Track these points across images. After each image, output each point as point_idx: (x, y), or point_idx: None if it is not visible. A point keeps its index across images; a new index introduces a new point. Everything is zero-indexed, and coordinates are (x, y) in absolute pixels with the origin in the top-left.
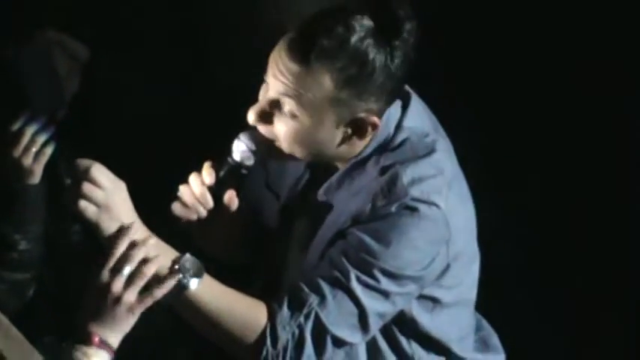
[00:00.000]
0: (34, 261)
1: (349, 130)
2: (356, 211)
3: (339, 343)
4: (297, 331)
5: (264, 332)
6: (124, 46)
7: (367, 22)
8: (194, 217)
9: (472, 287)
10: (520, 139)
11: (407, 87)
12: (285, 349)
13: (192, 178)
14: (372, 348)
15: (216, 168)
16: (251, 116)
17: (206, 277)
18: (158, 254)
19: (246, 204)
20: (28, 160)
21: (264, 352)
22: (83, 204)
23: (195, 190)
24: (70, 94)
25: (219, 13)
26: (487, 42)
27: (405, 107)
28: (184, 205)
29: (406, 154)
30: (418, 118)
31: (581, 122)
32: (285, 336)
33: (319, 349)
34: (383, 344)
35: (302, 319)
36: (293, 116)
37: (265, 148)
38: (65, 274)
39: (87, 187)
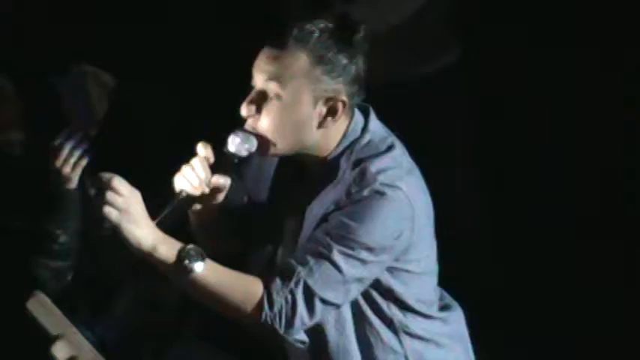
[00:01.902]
0: (71, 251)
1: (324, 110)
2: (336, 199)
3: (326, 303)
4: (289, 296)
5: (261, 299)
6: (146, 75)
7: (329, 24)
8: (198, 192)
9: (435, 261)
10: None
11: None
12: (280, 311)
13: (196, 161)
14: (359, 314)
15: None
16: (243, 109)
17: (208, 261)
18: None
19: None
20: (67, 169)
21: (264, 316)
22: (107, 209)
23: (200, 171)
24: (100, 115)
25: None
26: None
27: (366, 116)
28: (191, 184)
29: (371, 151)
30: (378, 124)
31: (582, 121)
32: (279, 300)
33: (310, 308)
34: (368, 311)
35: (292, 285)
36: (277, 97)
37: (256, 143)
38: (98, 261)
39: (110, 195)
